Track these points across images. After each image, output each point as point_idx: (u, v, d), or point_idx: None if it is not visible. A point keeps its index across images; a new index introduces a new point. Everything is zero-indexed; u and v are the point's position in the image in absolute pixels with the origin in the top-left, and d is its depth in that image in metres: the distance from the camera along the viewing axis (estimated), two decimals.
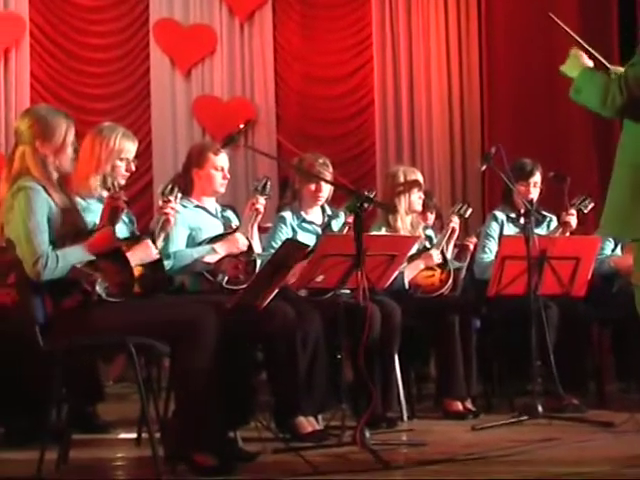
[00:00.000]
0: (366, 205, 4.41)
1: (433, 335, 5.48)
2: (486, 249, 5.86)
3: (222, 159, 5.00)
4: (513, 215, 5.85)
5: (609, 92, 3.66)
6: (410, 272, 5.50)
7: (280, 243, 4.88)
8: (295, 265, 4.37)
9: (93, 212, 4.30)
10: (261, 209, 4.90)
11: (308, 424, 4.59)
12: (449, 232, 5.68)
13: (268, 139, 8.77)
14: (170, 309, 3.95)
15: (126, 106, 8.84)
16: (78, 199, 4.27)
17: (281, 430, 4.55)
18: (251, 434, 4.27)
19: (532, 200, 5.66)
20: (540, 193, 5.92)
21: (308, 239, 5.09)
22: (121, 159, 4.54)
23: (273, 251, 4.75)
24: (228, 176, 5.06)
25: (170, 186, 4.46)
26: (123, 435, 4.96)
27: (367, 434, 4.25)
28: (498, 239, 5.74)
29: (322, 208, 5.41)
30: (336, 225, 5.35)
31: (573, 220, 5.74)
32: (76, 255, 3.84)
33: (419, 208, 5.74)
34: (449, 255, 5.71)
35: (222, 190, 5.06)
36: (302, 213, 5.34)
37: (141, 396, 3.94)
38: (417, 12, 8.98)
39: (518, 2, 8.61)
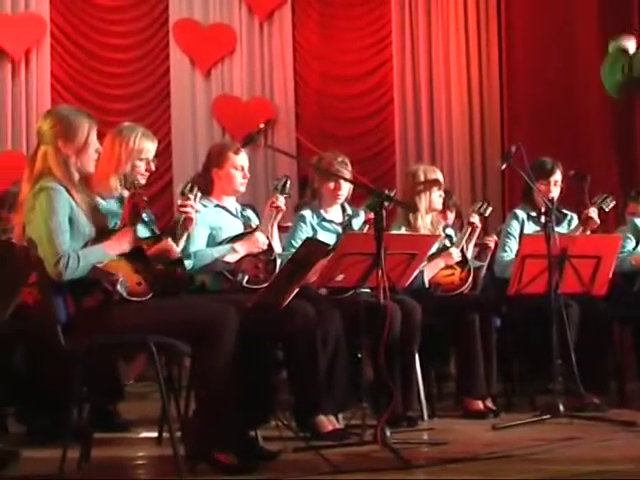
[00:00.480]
0: (386, 204, 4.41)
1: (453, 334, 5.48)
2: (506, 248, 5.85)
3: (242, 158, 5.00)
4: (534, 214, 5.84)
5: (618, 62, 3.91)
6: (430, 271, 5.50)
7: (300, 242, 4.89)
8: (315, 264, 4.37)
9: (114, 212, 4.31)
10: (282, 207, 4.90)
11: (328, 423, 4.59)
12: (469, 230, 5.68)
13: (287, 138, 8.78)
14: (191, 308, 3.95)
15: (146, 106, 8.89)
16: (98, 199, 4.28)
17: (301, 429, 4.55)
18: (271, 433, 4.27)
19: (553, 199, 5.65)
20: (561, 192, 5.90)
21: (328, 238, 5.09)
22: (141, 159, 4.54)
23: (293, 250, 4.75)
24: (248, 175, 5.06)
25: (190, 185, 4.47)
26: (144, 434, 4.99)
27: (388, 433, 4.26)
28: (519, 238, 5.73)
29: (342, 207, 5.41)
30: (356, 224, 5.36)
31: (595, 216, 5.70)
32: (97, 255, 3.86)
33: (439, 207, 5.74)
34: (470, 254, 5.70)
35: (242, 189, 5.06)
36: (322, 212, 5.34)
37: (162, 395, 3.95)
38: (437, 10, 8.98)
39: (538, 1, 8.59)
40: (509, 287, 5.25)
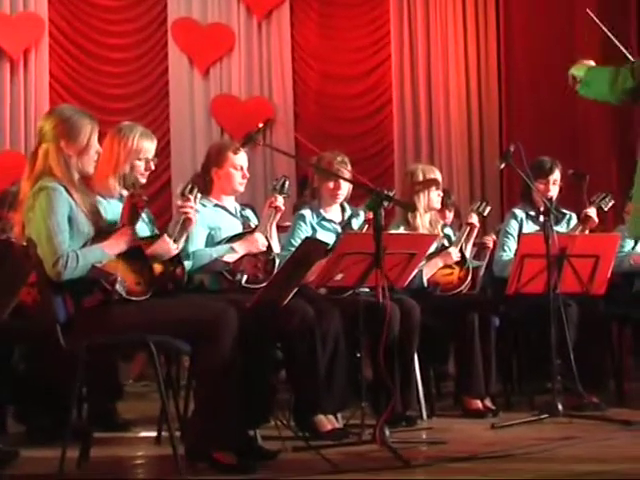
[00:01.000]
0: (386, 203, 4.41)
1: (452, 333, 5.49)
2: (505, 247, 5.85)
3: (241, 158, 5.00)
4: (532, 213, 5.85)
5: (619, 75, 3.89)
6: (429, 270, 5.50)
7: (299, 241, 4.89)
8: (315, 263, 4.37)
9: (113, 211, 4.31)
10: (281, 207, 4.90)
11: (328, 422, 4.59)
12: (468, 230, 5.68)
13: (286, 138, 8.78)
14: (190, 308, 3.95)
15: (145, 106, 8.89)
16: (98, 198, 4.28)
17: (301, 428, 4.55)
18: (271, 432, 4.28)
19: (551, 198, 5.66)
20: (559, 191, 5.90)
21: (327, 237, 5.10)
22: (140, 158, 4.53)
23: (292, 249, 4.75)
24: (247, 175, 5.06)
25: (190, 186, 4.46)
26: (143, 433, 4.99)
27: (387, 432, 4.25)
28: (517, 237, 5.73)
29: (342, 206, 5.41)
30: (356, 223, 5.36)
31: (594, 215, 5.70)
32: (96, 254, 3.86)
33: (438, 206, 5.74)
34: (468, 254, 5.70)
35: (241, 189, 5.06)
36: (321, 211, 5.34)
37: (161, 394, 3.96)
38: (435, 10, 8.98)
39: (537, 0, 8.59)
40: (508, 286, 5.25)
